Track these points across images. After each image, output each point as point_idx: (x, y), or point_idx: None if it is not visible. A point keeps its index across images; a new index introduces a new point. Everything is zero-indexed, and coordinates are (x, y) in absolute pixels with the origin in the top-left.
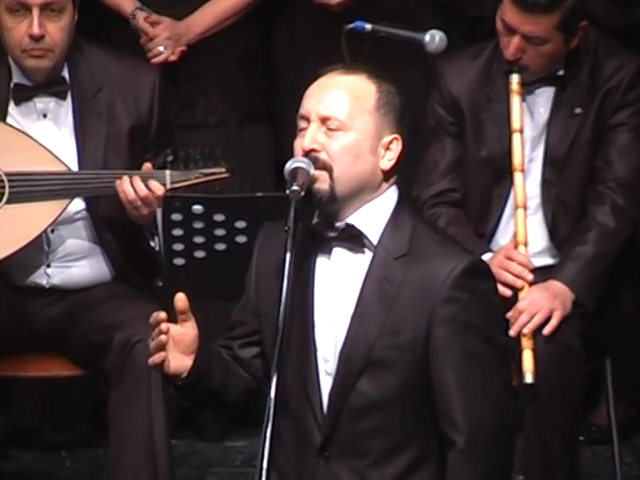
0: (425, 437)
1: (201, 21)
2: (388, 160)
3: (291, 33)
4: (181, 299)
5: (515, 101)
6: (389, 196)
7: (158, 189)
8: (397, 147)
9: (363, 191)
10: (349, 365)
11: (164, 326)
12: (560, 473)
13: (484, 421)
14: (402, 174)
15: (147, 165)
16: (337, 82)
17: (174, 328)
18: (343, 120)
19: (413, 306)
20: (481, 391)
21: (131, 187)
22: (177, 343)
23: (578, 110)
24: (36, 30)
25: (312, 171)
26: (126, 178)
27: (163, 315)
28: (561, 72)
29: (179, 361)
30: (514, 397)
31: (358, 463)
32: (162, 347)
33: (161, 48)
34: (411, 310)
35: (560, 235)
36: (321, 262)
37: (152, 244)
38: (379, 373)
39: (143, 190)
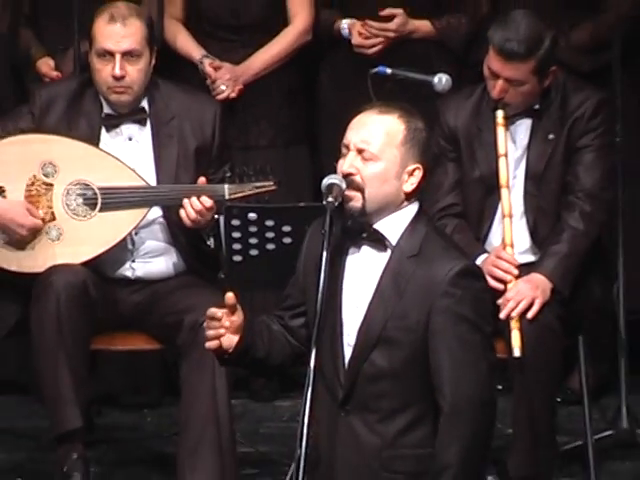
0: (424, 402)
1: (255, 65)
2: (411, 184)
3: (334, 74)
4: (230, 297)
5: (500, 131)
6: (410, 209)
7: (206, 202)
8: (419, 174)
9: (388, 207)
10: (365, 340)
11: (224, 320)
12: (542, 427)
13: (467, 393)
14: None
15: (201, 179)
16: (373, 120)
17: (225, 317)
18: (375, 152)
19: (418, 297)
20: (468, 369)
21: (194, 209)
22: (228, 327)
23: (551, 136)
24: (117, 72)
25: (344, 186)
26: (190, 209)
27: (219, 314)
28: (537, 106)
29: (229, 340)
30: (497, 375)
31: (370, 418)
32: (219, 336)
33: (223, 87)
34: (416, 300)
35: (540, 237)
36: (351, 256)
37: (208, 243)
38: (389, 348)
39: (198, 206)
